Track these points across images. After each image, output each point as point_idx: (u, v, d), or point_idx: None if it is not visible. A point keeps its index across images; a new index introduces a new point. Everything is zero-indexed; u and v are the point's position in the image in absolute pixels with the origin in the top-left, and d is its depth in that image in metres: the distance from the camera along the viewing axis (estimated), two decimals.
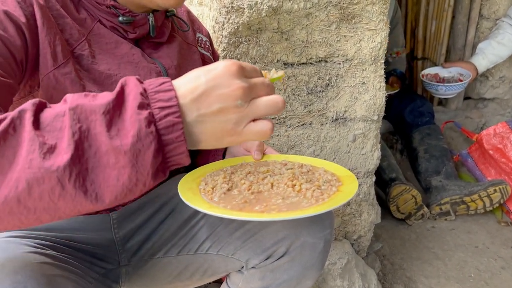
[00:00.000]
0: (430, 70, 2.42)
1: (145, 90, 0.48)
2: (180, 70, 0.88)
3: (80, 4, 0.76)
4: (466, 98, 2.71)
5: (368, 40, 1.22)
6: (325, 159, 1.32)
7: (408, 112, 2.31)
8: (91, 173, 0.45)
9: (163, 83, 0.49)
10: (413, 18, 2.83)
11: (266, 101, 0.51)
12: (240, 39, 1.16)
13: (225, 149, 1.02)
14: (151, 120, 0.46)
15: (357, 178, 1.39)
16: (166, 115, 0.47)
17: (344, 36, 1.21)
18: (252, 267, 0.91)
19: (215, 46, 1.21)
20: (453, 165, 2.16)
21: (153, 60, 0.83)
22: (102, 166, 0.45)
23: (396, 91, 2.30)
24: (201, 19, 1.37)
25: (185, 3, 1.26)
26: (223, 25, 1.14)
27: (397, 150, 2.56)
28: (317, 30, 1.18)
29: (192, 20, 1.02)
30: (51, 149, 0.44)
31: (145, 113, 0.46)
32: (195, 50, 0.97)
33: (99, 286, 0.84)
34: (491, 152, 2.10)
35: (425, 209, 1.97)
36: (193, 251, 0.94)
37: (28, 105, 0.46)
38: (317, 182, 0.85)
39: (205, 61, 1.00)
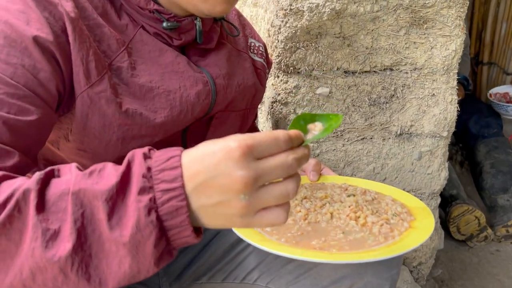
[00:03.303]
0: (499, 89, 2.30)
1: (149, 169, 0.45)
2: (229, 79, 0.80)
3: (122, 9, 0.70)
4: None
5: (441, 47, 1.12)
6: (385, 178, 1.21)
7: (473, 122, 2.17)
8: (94, 258, 0.45)
9: (170, 157, 0.45)
10: (480, 19, 2.63)
11: (278, 192, 0.44)
12: (298, 44, 1.08)
13: None
14: (151, 207, 0.44)
15: (421, 200, 1.27)
16: (169, 199, 0.44)
17: (414, 42, 1.11)
18: None
19: (269, 51, 1.13)
20: None
21: (200, 69, 0.76)
22: (106, 252, 0.45)
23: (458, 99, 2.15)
24: (255, 21, 1.30)
25: (238, 3, 1.18)
26: (279, 28, 1.07)
27: (457, 161, 2.40)
28: (384, 35, 1.09)
29: (244, 25, 0.94)
30: (54, 236, 0.44)
31: (145, 199, 0.44)
32: (246, 57, 0.89)
33: None
34: None
35: (489, 230, 1.83)
36: (240, 279, 0.88)
37: (33, 184, 0.46)
38: (385, 215, 0.75)
39: (257, 68, 0.91)
